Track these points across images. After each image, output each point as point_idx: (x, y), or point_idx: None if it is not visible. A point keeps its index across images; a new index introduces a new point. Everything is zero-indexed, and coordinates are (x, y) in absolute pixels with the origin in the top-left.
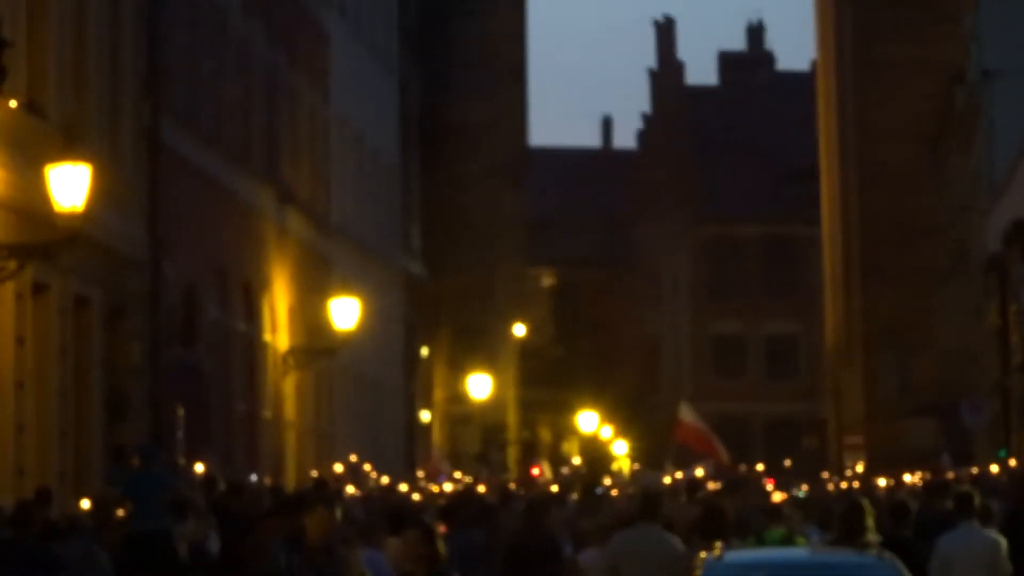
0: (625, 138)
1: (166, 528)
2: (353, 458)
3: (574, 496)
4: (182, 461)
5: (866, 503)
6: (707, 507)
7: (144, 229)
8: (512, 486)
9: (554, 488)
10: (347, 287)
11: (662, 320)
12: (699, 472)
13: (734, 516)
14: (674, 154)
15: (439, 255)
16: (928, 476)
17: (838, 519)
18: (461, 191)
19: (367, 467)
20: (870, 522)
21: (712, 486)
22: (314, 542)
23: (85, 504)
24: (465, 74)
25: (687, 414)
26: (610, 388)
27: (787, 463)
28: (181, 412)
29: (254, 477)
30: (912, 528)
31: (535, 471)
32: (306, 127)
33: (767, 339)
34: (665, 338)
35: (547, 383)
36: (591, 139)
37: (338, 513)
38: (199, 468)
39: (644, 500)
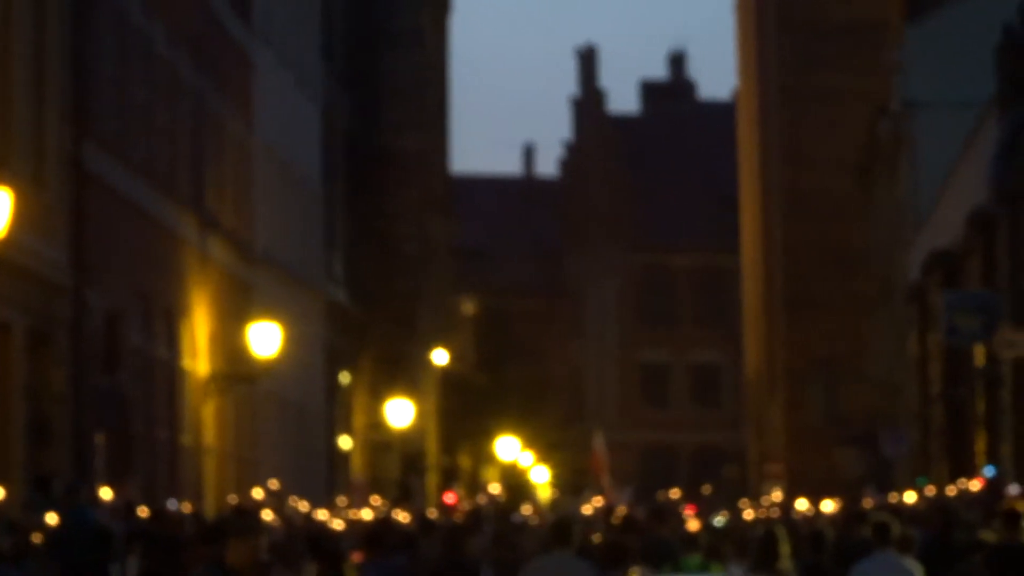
0: (547, 166)
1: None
2: (273, 484)
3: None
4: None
5: (782, 531)
6: (614, 540)
7: (68, 255)
8: (432, 513)
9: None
10: (269, 314)
11: (588, 348)
12: (621, 508)
13: (652, 544)
14: (599, 183)
15: (364, 283)
16: (846, 504)
17: (754, 547)
18: (387, 219)
19: (289, 495)
20: (785, 550)
21: (622, 511)
22: (237, 570)
23: None
24: (391, 103)
25: (598, 443)
26: (535, 416)
27: (705, 490)
28: (103, 439)
29: (174, 503)
30: (829, 556)
31: (449, 497)
32: (231, 154)
33: (693, 368)
34: (591, 366)
35: (469, 411)
36: (512, 167)
37: (264, 542)
38: (119, 495)
39: (556, 527)
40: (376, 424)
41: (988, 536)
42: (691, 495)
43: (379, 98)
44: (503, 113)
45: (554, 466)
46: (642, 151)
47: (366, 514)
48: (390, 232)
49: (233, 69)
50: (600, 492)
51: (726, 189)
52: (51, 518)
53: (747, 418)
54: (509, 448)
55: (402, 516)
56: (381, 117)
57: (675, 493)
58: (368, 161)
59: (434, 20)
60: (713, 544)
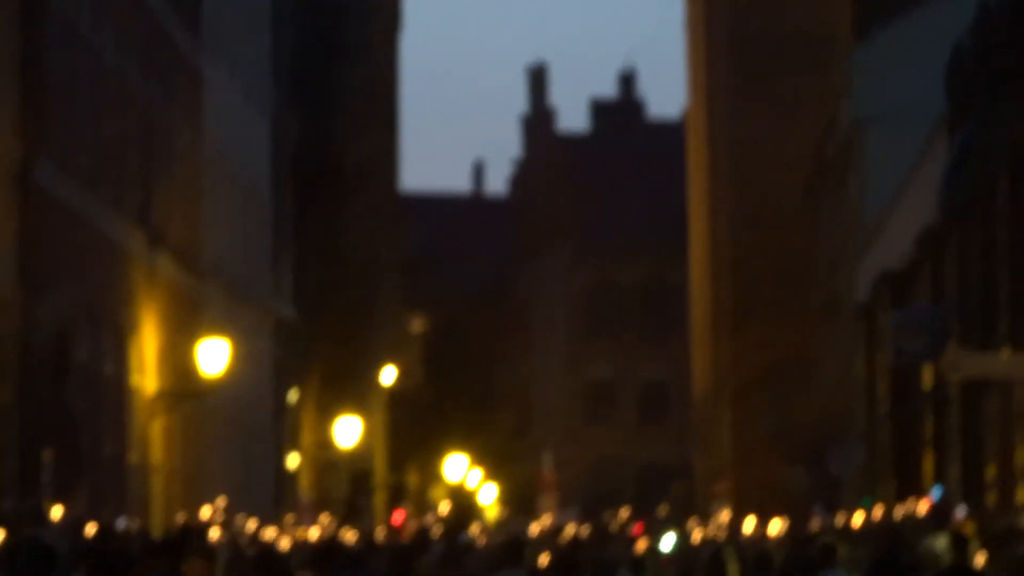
0: (497, 183)
1: None
2: (221, 502)
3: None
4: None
5: (730, 553)
6: (563, 554)
7: (14, 269)
8: (380, 532)
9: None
10: (217, 330)
11: (535, 364)
12: (570, 526)
13: (599, 564)
14: (547, 200)
15: (312, 298)
16: (794, 524)
17: (702, 571)
18: (336, 233)
19: (236, 514)
20: (732, 571)
21: (570, 532)
22: None
23: None
24: (341, 117)
25: (547, 462)
26: (482, 433)
27: (661, 511)
28: (49, 455)
29: (123, 521)
30: None
31: (397, 516)
32: (179, 167)
33: (640, 384)
34: (538, 382)
35: (417, 428)
36: (462, 183)
37: (219, 565)
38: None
39: (508, 546)
40: (324, 442)
41: (937, 543)
42: (639, 512)
43: (328, 112)
44: (454, 130)
45: (502, 482)
46: (591, 169)
47: (313, 533)
48: (338, 247)
49: (182, 82)
50: (547, 511)
51: (674, 206)
52: None
53: (695, 435)
54: (457, 467)
55: (349, 535)
56: (330, 131)
57: (624, 512)
58: (316, 175)
59: (384, 36)
60: (659, 569)
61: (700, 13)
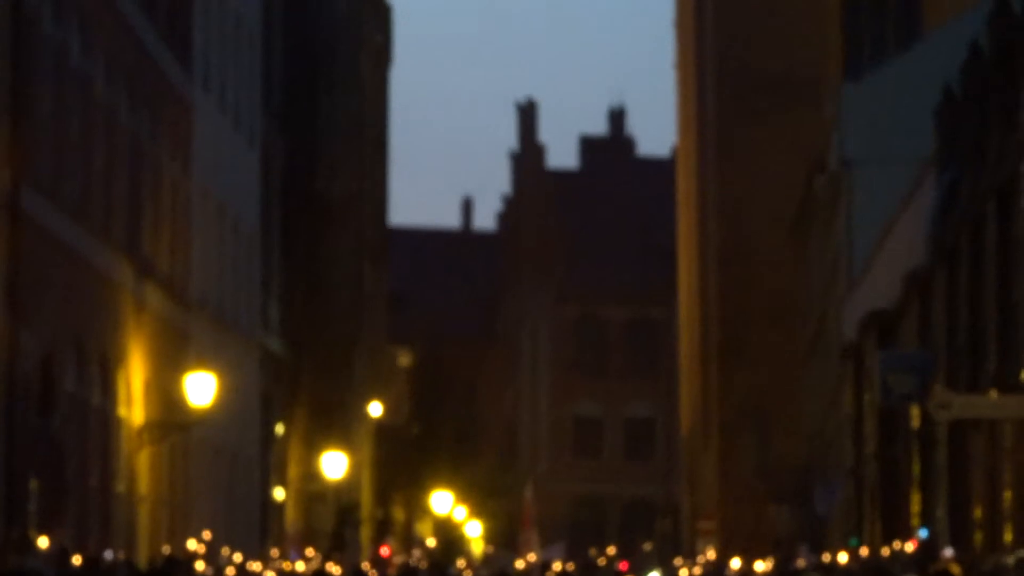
0: (485, 219)
1: None
2: (207, 535)
3: None
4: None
5: None
6: None
7: (1, 297)
8: (365, 566)
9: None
10: (204, 362)
11: (521, 400)
12: (557, 564)
13: None
14: (536, 236)
15: (299, 330)
16: (779, 564)
17: None
18: (323, 266)
19: (222, 545)
20: None
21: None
22: None
23: None
24: (329, 150)
25: (528, 496)
26: (467, 467)
27: (647, 547)
28: (35, 485)
29: (109, 553)
30: None
31: (384, 550)
32: (167, 197)
33: (625, 421)
34: (523, 418)
35: (403, 462)
36: (451, 219)
37: None
38: (52, 542)
39: None
40: (310, 475)
41: None
42: (623, 549)
43: (316, 144)
44: (443, 166)
45: (487, 518)
46: (580, 205)
47: (300, 566)
48: (324, 279)
49: (172, 111)
50: (527, 546)
51: (662, 243)
52: None
53: (680, 472)
54: (444, 502)
55: (335, 568)
56: (317, 163)
57: (610, 550)
58: (303, 207)
59: (374, 70)
60: None
61: (690, 51)
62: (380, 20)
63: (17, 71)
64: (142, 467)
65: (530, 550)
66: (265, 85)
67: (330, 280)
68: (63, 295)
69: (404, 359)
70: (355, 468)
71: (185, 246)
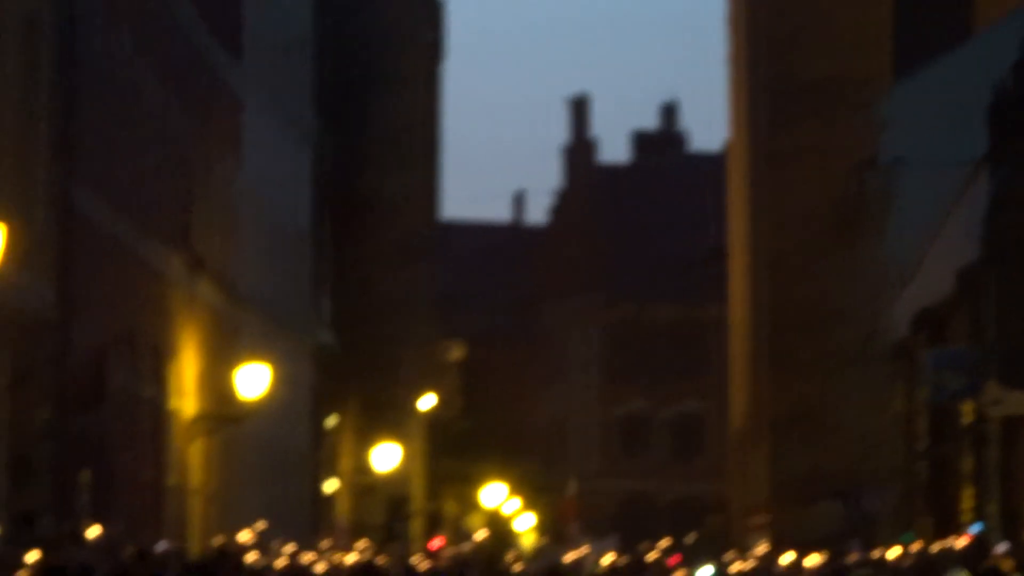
0: (537, 213)
1: None
2: (258, 526)
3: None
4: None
5: None
6: None
7: (53, 292)
8: (415, 559)
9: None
10: (256, 355)
11: (570, 397)
12: (608, 556)
13: None
14: (585, 232)
15: (350, 326)
16: (830, 559)
17: None
18: (373, 263)
19: (273, 537)
20: None
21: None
22: None
23: None
24: (380, 147)
25: (571, 492)
26: (517, 463)
27: (689, 539)
28: (86, 477)
29: (163, 545)
30: None
31: (436, 542)
32: (218, 194)
33: (674, 418)
34: (572, 415)
35: (454, 456)
36: (502, 213)
37: None
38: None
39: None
40: (362, 468)
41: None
42: (673, 546)
43: (367, 142)
44: (495, 160)
45: (536, 513)
46: (631, 200)
47: (350, 558)
48: (374, 275)
49: (222, 109)
50: (574, 541)
51: (713, 240)
52: (32, 555)
53: (730, 470)
54: (494, 495)
55: (384, 560)
56: (368, 161)
57: (664, 543)
58: (353, 204)
59: (426, 66)
60: None
61: (742, 48)
62: (431, 17)
63: (69, 69)
64: (193, 460)
65: (576, 545)
66: (315, 84)
67: (380, 276)
68: (114, 290)
69: (455, 353)
70: (406, 461)
71: (236, 242)
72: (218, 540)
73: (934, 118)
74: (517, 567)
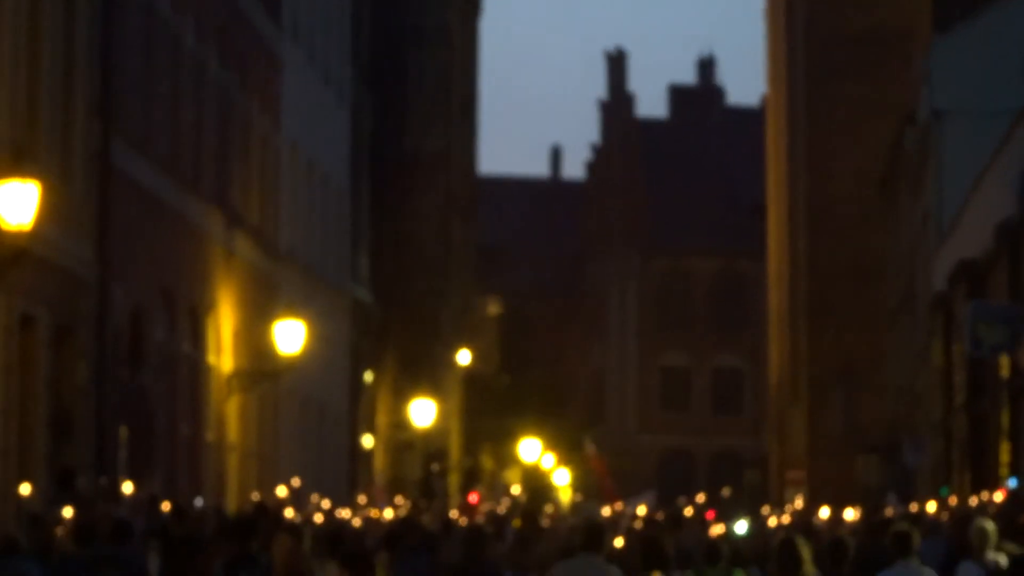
0: (574, 168)
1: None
2: (296, 482)
3: (515, 524)
4: (126, 482)
5: (801, 540)
6: (645, 539)
7: (92, 249)
8: (454, 514)
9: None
10: (293, 311)
11: (609, 352)
12: (641, 507)
13: (673, 549)
14: (623, 187)
15: (388, 282)
16: (868, 513)
17: (774, 555)
18: (410, 220)
19: (311, 493)
20: (806, 555)
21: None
22: (280, 570)
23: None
24: (418, 104)
25: (590, 448)
26: (555, 418)
27: (725, 492)
28: (125, 433)
29: (200, 501)
30: (850, 566)
31: (473, 497)
32: (257, 152)
33: (713, 373)
34: (612, 370)
35: (492, 412)
36: (540, 168)
37: (306, 543)
38: (141, 490)
39: (588, 531)
40: (399, 423)
41: (986, 524)
42: (711, 500)
43: (405, 98)
44: (532, 115)
45: (574, 469)
46: (669, 155)
47: (388, 513)
48: (413, 233)
49: (261, 66)
50: (606, 495)
51: (751, 194)
52: (68, 512)
53: (769, 425)
54: (531, 450)
55: (424, 517)
56: (407, 117)
57: (700, 497)
58: (392, 161)
59: (463, 21)
60: (735, 551)
61: (779, 2)
62: None
63: (108, 26)
64: (231, 415)
65: (609, 497)
66: (354, 40)
67: (419, 233)
68: (153, 246)
69: (493, 308)
70: (443, 416)
71: (274, 199)
72: (256, 496)
73: (975, 71)
74: (554, 523)
